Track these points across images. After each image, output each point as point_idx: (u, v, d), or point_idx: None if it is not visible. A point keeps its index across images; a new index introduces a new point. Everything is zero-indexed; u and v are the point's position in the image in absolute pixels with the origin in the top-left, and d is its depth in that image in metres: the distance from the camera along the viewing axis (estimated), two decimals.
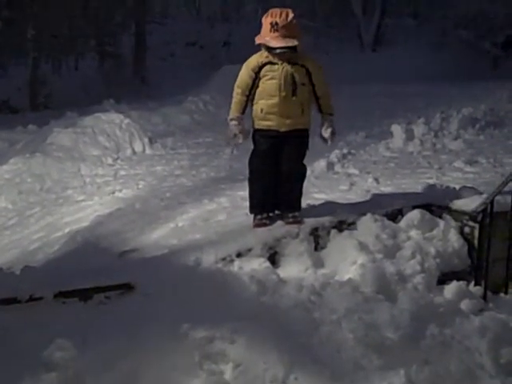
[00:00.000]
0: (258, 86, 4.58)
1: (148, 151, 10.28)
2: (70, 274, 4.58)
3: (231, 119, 4.69)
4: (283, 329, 3.74)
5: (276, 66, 4.50)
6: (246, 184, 7.34)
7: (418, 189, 6.17)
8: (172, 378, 3.41)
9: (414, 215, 4.95)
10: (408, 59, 18.44)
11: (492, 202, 4.62)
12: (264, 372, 3.37)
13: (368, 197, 5.81)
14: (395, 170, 7.66)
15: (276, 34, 4.36)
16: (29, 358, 3.36)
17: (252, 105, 4.69)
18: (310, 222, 4.86)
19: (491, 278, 4.78)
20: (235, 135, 4.69)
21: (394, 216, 5.05)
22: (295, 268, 4.50)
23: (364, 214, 4.94)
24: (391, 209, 5.12)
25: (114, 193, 7.68)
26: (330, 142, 4.94)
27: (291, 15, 4.40)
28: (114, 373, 3.41)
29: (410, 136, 9.45)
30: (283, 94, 4.50)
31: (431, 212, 5.09)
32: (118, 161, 9.55)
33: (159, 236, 5.54)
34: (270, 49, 4.47)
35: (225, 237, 4.91)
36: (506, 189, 4.78)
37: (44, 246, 6.25)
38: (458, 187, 5.71)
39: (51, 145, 9.52)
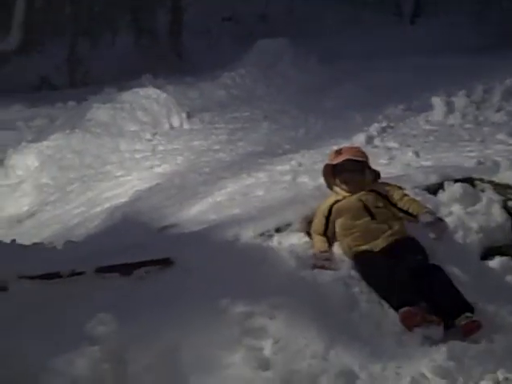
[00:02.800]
0: None
1: (186, 126, 10.28)
2: (111, 249, 4.61)
3: None
4: (323, 304, 3.70)
5: None
6: (285, 158, 7.37)
7: (460, 162, 6.05)
8: (211, 353, 3.40)
9: (456, 189, 4.85)
10: (448, 30, 17.96)
11: None
12: (304, 348, 3.34)
13: (408, 171, 5.71)
14: (435, 143, 7.50)
15: None
16: (72, 332, 3.39)
17: None
18: None
19: None
20: None
21: (435, 190, 4.95)
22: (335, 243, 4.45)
23: (404, 189, 4.85)
24: (432, 183, 5.03)
25: (152, 168, 7.71)
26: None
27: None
28: (155, 346, 3.41)
29: (450, 108, 9.24)
30: None
31: (473, 186, 4.99)
32: (157, 136, 9.57)
33: (198, 211, 5.56)
34: None
35: (263, 212, 4.88)
36: None
37: (85, 221, 6.32)
38: (500, 160, 5.58)
39: (90, 121, 9.58)
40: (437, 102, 9.26)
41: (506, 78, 10.30)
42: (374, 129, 8.29)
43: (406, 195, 4.32)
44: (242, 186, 6.10)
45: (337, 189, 4.47)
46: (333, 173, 4.47)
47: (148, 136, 9.49)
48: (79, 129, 9.35)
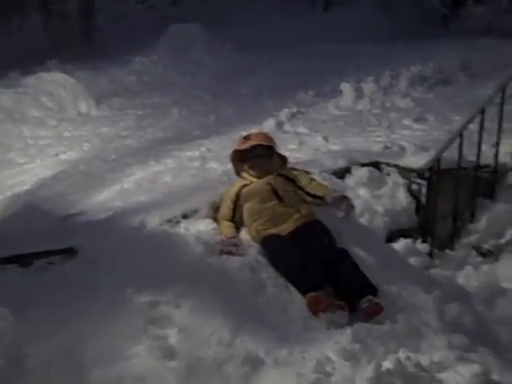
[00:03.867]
0: None
1: (93, 112, 9.99)
2: (11, 239, 4.41)
3: None
4: (229, 290, 3.65)
5: None
6: (194, 144, 7.29)
7: (367, 147, 6.16)
8: (115, 345, 3.29)
9: (363, 173, 4.93)
10: (358, 19, 18.28)
11: (439, 160, 4.61)
12: (210, 335, 3.29)
13: (317, 155, 5.75)
14: (344, 128, 7.62)
15: None
16: None
17: None
18: None
19: (438, 235, 4.80)
20: None
21: (343, 174, 5.01)
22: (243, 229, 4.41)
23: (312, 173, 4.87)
24: (340, 167, 5.08)
25: (57, 155, 7.44)
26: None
27: None
28: (56, 341, 3.28)
29: (359, 94, 9.43)
30: None
31: (379, 170, 5.07)
32: (63, 122, 9.24)
33: (104, 198, 5.40)
34: None
35: (170, 198, 4.80)
36: (454, 145, 4.77)
37: None
38: (406, 145, 5.71)
39: None
40: (346, 87, 9.42)
41: (412, 65, 10.61)
42: (284, 114, 8.34)
43: (313, 179, 4.32)
44: (149, 173, 5.97)
45: (244, 174, 4.43)
46: (241, 159, 4.42)
47: (53, 122, 9.16)
48: None
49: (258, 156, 4.31)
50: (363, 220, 4.57)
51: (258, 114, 8.81)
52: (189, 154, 6.75)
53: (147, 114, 9.96)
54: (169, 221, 4.37)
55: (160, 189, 5.26)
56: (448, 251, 4.84)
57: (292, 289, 3.76)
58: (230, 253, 4.04)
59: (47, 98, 9.71)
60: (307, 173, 4.40)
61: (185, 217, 4.41)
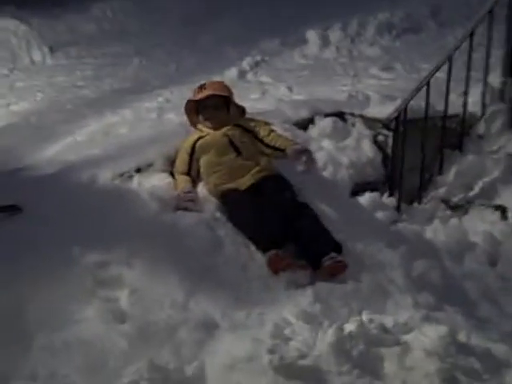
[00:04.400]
0: None
1: (48, 61, 9.58)
2: None
3: None
4: (185, 249, 3.46)
5: None
6: (153, 95, 6.99)
7: (332, 96, 5.94)
8: (62, 308, 3.08)
9: (326, 124, 4.73)
10: None
11: (405, 109, 4.42)
12: (163, 297, 3.10)
13: (279, 106, 5.51)
14: (309, 78, 7.38)
15: None
16: None
17: None
18: None
19: (405, 188, 4.65)
20: None
21: (306, 125, 4.81)
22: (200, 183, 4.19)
23: (272, 124, 4.65)
24: (302, 117, 4.87)
25: (8, 106, 7.08)
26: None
27: None
28: None
29: (325, 42, 9.16)
30: None
31: (344, 120, 4.88)
32: (15, 71, 8.83)
33: (55, 152, 5.12)
34: None
35: (125, 151, 4.54)
36: (421, 95, 4.58)
37: None
38: (371, 94, 5.50)
39: None
40: (312, 35, 9.14)
41: (380, 12, 10.32)
42: (246, 63, 8.06)
43: (273, 131, 4.09)
44: (104, 125, 5.70)
45: (200, 126, 4.19)
46: (196, 109, 4.17)
47: (5, 71, 8.74)
48: None
49: (214, 106, 4.06)
50: (327, 173, 4.39)
51: (221, 63, 8.51)
52: (147, 104, 6.47)
53: (106, 63, 9.57)
54: (121, 175, 4.12)
55: (114, 141, 4.99)
56: (415, 205, 4.69)
57: (252, 247, 3.58)
58: (185, 208, 3.83)
59: None
60: (266, 124, 4.17)
61: (138, 171, 4.17)
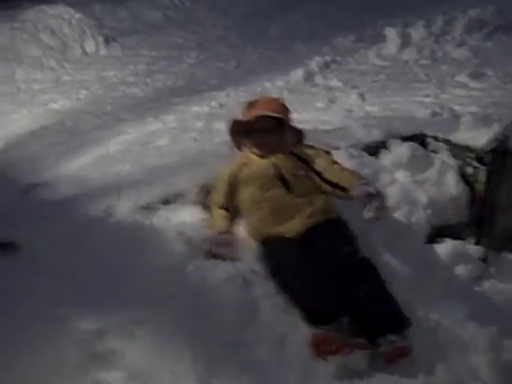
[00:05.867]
0: None
1: (102, 52, 9.06)
2: None
3: None
4: (208, 316, 2.76)
5: None
6: (205, 97, 6.31)
7: (411, 111, 5.12)
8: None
9: (403, 150, 3.92)
10: None
11: (507, 139, 3.57)
12: None
13: (347, 122, 4.72)
14: (385, 83, 6.53)
15: None
16: None
17: None
18: None
19: (496, 234, 3.80)
20: None
21: (377, 150, 4.00)
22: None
23: (337, 148, 3.88)
24: (374, 140, 4.07)
25: (47, 104, 6.55)
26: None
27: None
28: None
29: (405, 41, 8.25)
30: None
31: (425, 146, 4.05)
32: (64, 63, 8.32)
33: (81, 165, 4.49)
34: None
35: (156, 172, 3.86)
36: None
37: None
38: (460, 110, 4.65)
39: None
40: (391, 33, 8.25)
41: (470, 7, 9.29)
42: (315, 64, 7.26)
43: (335, 163, 3.32)
44: (144, 133, 5.05)
45: (246, 150, 3.46)
46: (244, 131, 3.44)
47: (52, 64, 8.23)
48: None
49: (264, 130, 3.31)
50: (399, 214, 3.58)
51: (287, 61, 7.79)
52: (196, 109, 5.79)
53: (162, 56, 8.99)
54: (146, 207, 3.45)
55: (148, 157, 4.33)
56: (507, 255, 3.84)
57: (294, 314, 2.84)
58: (219, 255, 3.12)
59: (48, 35, 8.74)
60: (327, 153, 3.40)
61: (166, 202, 3.49)
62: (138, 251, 3.14)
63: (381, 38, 8.39)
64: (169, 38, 10.35)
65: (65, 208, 3.51)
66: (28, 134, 5.46)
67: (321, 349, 2.62)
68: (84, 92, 6.92)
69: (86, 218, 3.31)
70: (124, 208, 3.40)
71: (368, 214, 2.92)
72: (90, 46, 8.99)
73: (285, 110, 3.42)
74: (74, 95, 6.80)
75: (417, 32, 8.44)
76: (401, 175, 3.82)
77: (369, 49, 8.21)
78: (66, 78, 7.74)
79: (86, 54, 8.89)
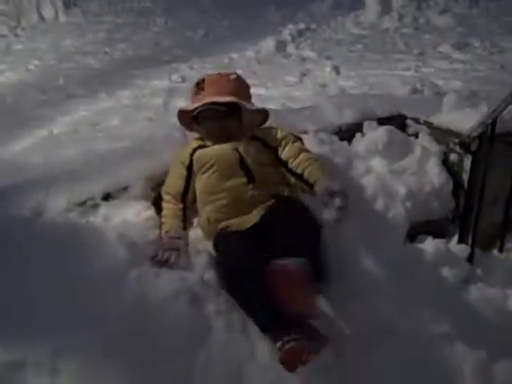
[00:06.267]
0: None
1: (62, 18, 8.49)
2: None
3: None
4: (150, 343, 2.33)
5: None
6: (167, 69, 5.84)
7: (390, 86, 4.70)
8: None
9: (379, 135, 3.48)
10: None
11: (494, 123, 3.16)
12: None
13: (318, 100, 4.28)
14: (363, 54, 6.10)
15: None
16: None
17: None
18: None
19: (482, 230, 3.41)
20: None
21: (350, 134, 3.57)
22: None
23: (305, 133, 3.45)
24: (347, 122, 3.63)
25: None
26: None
27: None
28: None
29: (386, 8, 7.80)
30: None
31: (404, 128, 3.63)
32: (17, 30, 7.75)
33: (22, 148, 4.05)
34: None
35: (101, 160, 3.39)
36: None
37: None
38: (443, 86, 4.24)
39: None
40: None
41: None
42: (288, 32, 6.78)
43: (304, 151, 2.88)
44: (94, 112, 4.61)
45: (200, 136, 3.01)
46: (195, 120, 2.98)
47: (5, 31, 7.64)
48: None
49: (216, 118, 2.85)
50: (375, 208, 3.17)
51: (258, 29, 7.31)
52: (155, 83, 5.32)
53: (127, 22, 8.47)
54: (82, 203, 2.99)
55: (95, 140, 3.87)
56: (496, 253, 3.46)
57: (250, 334, 2.44)
58: (166, 263, 2.70)
59: None
60: (296, 138, 2.96)
61: (107, 197, 3.03)
62: (69, 259, 2.70)
63: (360, 4, 7.93)
64: (136, 3, 9.78)
65: None
66: None
67: (291, 362, 2.23)
68: (35, 62, 6.40)
69: (8, 218, 2.86)
70: (57, 204, 2.95)
71: (329, 214, 2.51)
72: (47, 12, 8.41)
73: (239, 88, 2.93)
74: (23, 66, 6.27)
75: None
76: (376, 163, 3.40)
77: (346, 16, 7.78)
78: (18, 46, 7.20)
79: (43, 20, 8.32)
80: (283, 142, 2.90)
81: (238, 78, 2.95)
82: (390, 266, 2.93)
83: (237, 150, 2.84)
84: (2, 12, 8.04)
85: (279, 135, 2.93)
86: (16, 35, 7.59)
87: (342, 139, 3.52)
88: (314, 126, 3.56)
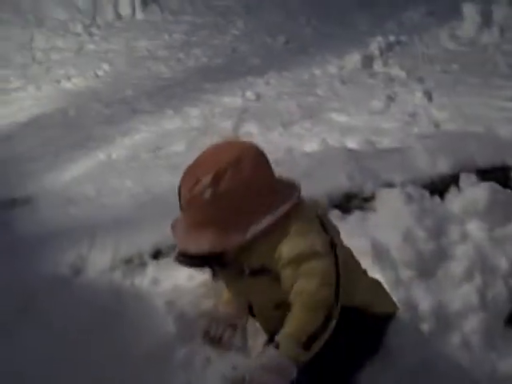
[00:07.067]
0: None
1: (139, 16, 8.20)
2: None
3: None
4: None
5: None
6: (241, 83, 5.44)
7: (491, 121, 4.17)
8: None
9: (479, 193, 2.99)
10: None
11: None
12: None
13: (408, 136, 3.82)
14: (459, 76, 5.52)
15: None
16: None
17: None
18: None
19: None
20: None
21: (444, 187, 3.10)
22: None
23: (391, 185, 3.01)
24: (440, 172, 3.17)
25: (60, 81, 5.76)
26: None
27: None
28: None
29: (486, 20, 7.14)
30: None
31: (507, 184, 3.14)
32: (92, 28, 7.49)
33: (74, 176, 3.74)
34: None
35: (153, 206, 3.05)
36: None
37: None
38: None
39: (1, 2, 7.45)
40: (469, 10, 7.15)
41: None
42: (377, 44, 6.25)
43: (301, 279, 1.93)
44: (158, 133, 4.27)
45: None
46: None
47: (78, 29, 7.42)
48: None
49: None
50: (470, 287, 2.69)
51: (344, 38, 6.82)
52: (227, 100, 4.94)
53: (206, 23, 8.10)
54: (128, 261, 2.65)
55: (155, 169, 3.56)
56: None
57: None
58: (219, 341, 2.32)
59: None
60: (299, 260, 1.94)
61: (157, 255, 2.68)
62: (107, 331, 2.36)
63: (456, 14, 7.31)
64: (218, 0, 9.38)
65: (22, 254, 2.74)
66: (25, 123, 4.70)
67: None
68: (105, 67, 6.12)
69: (43, 277, 2.54)
70: (99, 260, 2.62)
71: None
72: (124, 9, 8.14)
73: (215, 215, 1.96)
74: (92, 70, 6.01)
75: (500, 9, 7.32)
76: (475, 228, 2.91)
77: (441, 27, 7.17)
78: (90, 46, 6.95)
79: (119, 17, 8.05)
80: (283, 268, 2.01)
81: (215, 195, 1.95)
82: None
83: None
84: (78, 9, 7.82)
85: (283, 257, 2.00)
86: (90, 34, 7.34)
87: (432, 193, 3.06)
88: (402, 177, 3.12)
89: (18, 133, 4.51)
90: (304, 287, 1.87)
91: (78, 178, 3.67)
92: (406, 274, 2.68)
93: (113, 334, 2.37)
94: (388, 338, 2.31)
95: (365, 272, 2.29)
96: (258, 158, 2.05)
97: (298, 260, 1.91)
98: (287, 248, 1.93)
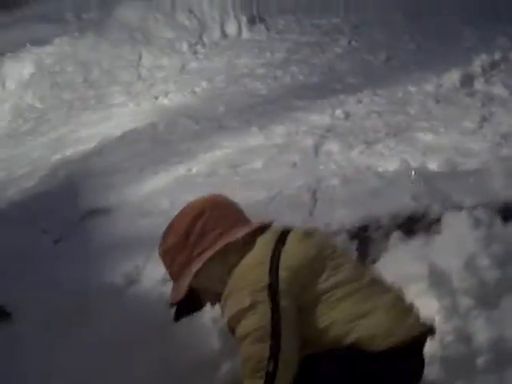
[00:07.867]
0: None
1: (245, 35, 8.31)
2: None
3: None
4: None
5: None
6: (333, 101, 5.40)
7: None
8: None
9: None
10: None
11: None
12: None
13: (491, 158, 3.66)
14: None
15: None
16: None
17: None
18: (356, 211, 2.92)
19: None
20: None
21: None
22: None
23: (460, 208, 2.89)
24: None
25: (158, 98, 5.96)
26: None
27: None
28: None
29: None
30: None
31: None
32: (198, 47, 7.68)
33: (155, 188, 3.85)
34: None
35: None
36: None
37: (33, 172, 4.76)
38: None
39: (112, 21, 7.78)
40: None
41: None
42: (480, 62, 6.01)
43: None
44: (239, 149, 4.32)
45: None
46: None
47: (184, 47, 7.62)
48: (92, 31, 7.62)
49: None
50: None
51: (447, 54, 6.61)
52: (315, 118, 4.92)
53: (309, 42, 8.08)
54: None
55: (230, 185, 3.60)
56: None
57: None
58: None
59: (185, 14, 8.13)
60: (232, 324, 1.96)
61: None
62: (155, 342, 2.41)
63: None
64: (325, 19, 9.36)
65: (89, 260, 2.86)
66: (118, 137, 4.90)
67: None
68: (203, 84, 6.27)
69: (98, 284, 2.63)
70: (153, 273, 2.68)
71: None
72: (231, 28, 8.28)
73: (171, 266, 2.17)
74: (191, 88, 6.17)
75: None
76: None
77: None
78: (193, 64, 7.15)
79: (225, 36, 8.20)
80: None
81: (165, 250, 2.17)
82: None
83: None
84: (185, 28, 8.05)
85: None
86: (195, 52, 7.54)
87: (505, 219, 2.91)
88: (473, 199, 2.98)
89: (109, 146, 4.72)
90: (240, 353, 1.91)
91: (156, 191, 3.78)
92: (464, 302, 2.57)
93: (157, 348, 2.42)
94: (432, 368, 2.22)
95: (376, 296, 2.00)
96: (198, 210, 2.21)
97: (231, 324, 1.94)
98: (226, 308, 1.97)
